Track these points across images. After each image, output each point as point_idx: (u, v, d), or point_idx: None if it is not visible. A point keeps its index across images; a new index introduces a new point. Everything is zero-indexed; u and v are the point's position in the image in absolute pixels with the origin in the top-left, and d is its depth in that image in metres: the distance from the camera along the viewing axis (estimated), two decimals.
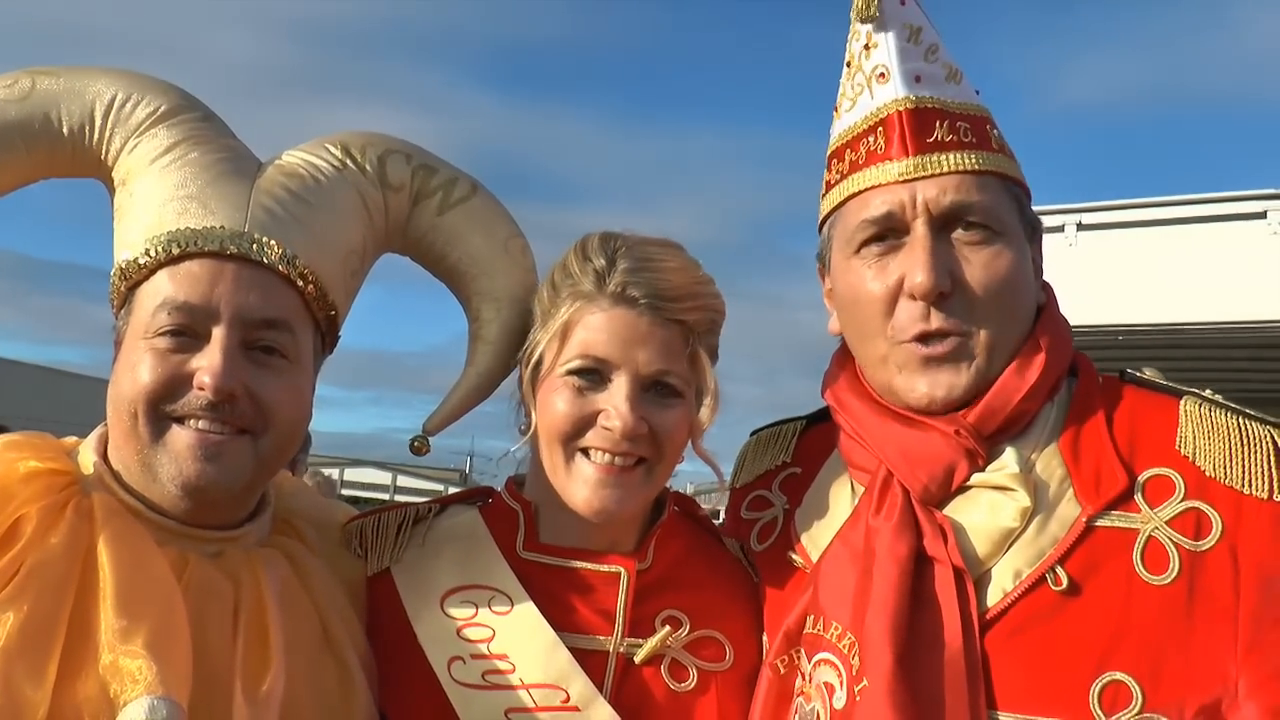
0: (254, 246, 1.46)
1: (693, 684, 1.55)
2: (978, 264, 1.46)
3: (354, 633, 1.56)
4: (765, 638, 1.60)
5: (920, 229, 1.46)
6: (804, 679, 1.47)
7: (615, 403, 1.52)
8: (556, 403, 1.55)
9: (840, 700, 1.38)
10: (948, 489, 1.46)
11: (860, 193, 1.52)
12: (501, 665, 1.51)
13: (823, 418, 1.76)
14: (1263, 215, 6.95)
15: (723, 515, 1.76)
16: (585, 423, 1.54)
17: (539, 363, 1.60)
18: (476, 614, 1.55)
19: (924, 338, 1.47)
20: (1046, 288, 1.60)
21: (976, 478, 1.45)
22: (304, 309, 1.52)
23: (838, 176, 1.58)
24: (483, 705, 1.49)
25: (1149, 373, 1.56)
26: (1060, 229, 7.47)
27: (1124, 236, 7.43)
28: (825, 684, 1.41)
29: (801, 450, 1.77)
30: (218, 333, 1.43)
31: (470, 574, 1.59)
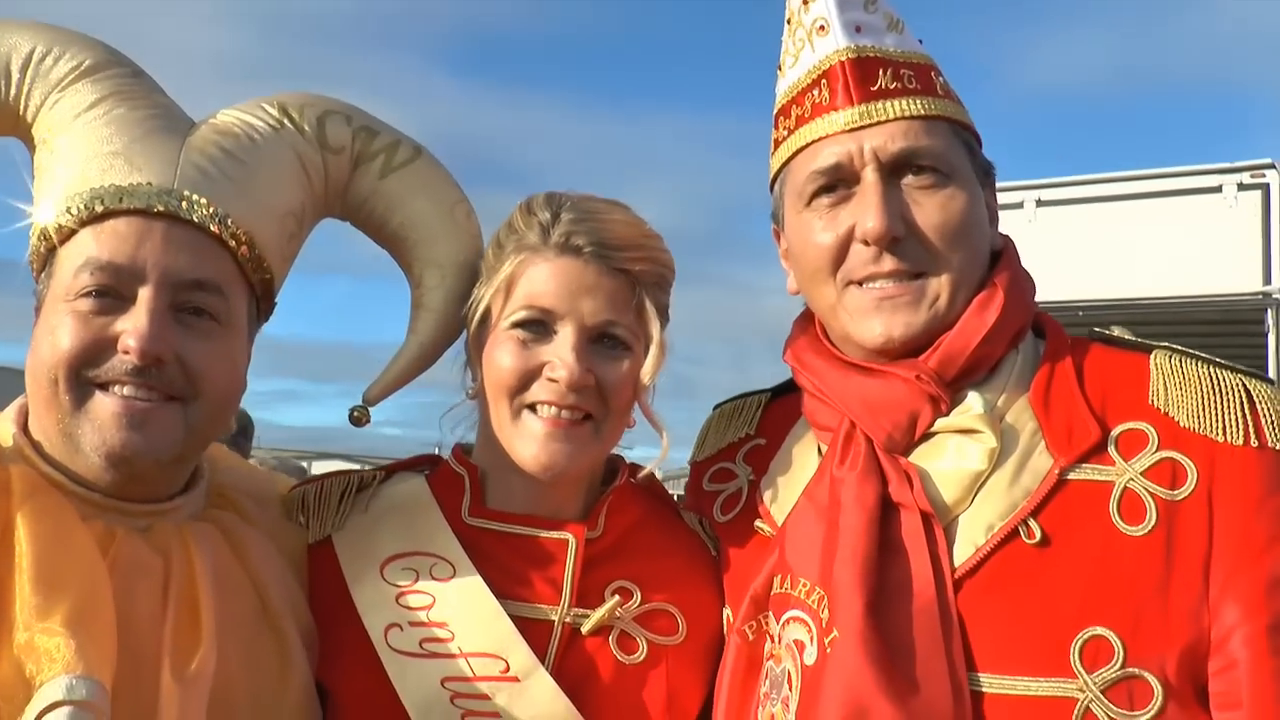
0: (183, 204, 1.41)
1: (642, 656, 1.51)
2: (930, 207, 1.46)
3: (296, 604, 1.51)
4: (729, 609, 1.56)
5: (870, 176, 1.46)
6: (774, 641, 1.43)
7: (560, 353, 1.48)
8: (501, 356, 1.51)
9: (811, 655, 1.34)
10: (911, 436, 1.44)
11: (808, 145, 1.52)
12: (440, 633, 1.46)
13: (787, 390, 1.73)
14: (1218, 189, 7.05)
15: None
16: (530, 375, 1.50)
17: (484, 319, 1.56)
18: (417, 581, 1.51)
19: (874, 279, 1.46)
20: (1005, 238, 1.59)
21: (940, 423, 1.43)
22: (237, 271, 1.46)
23: (785, 133, 1.58)
24: (418, 674, 1.44)
25: (1117, 331, 1.56)
26: (1020, 205, 7.52)
27: (1083, 212, 7.51)
28: (795, 642, 1.38)
29: (766, 422, 1.74)
30: (144, 294, 1.37)
31: (412, 541, 1.55)
